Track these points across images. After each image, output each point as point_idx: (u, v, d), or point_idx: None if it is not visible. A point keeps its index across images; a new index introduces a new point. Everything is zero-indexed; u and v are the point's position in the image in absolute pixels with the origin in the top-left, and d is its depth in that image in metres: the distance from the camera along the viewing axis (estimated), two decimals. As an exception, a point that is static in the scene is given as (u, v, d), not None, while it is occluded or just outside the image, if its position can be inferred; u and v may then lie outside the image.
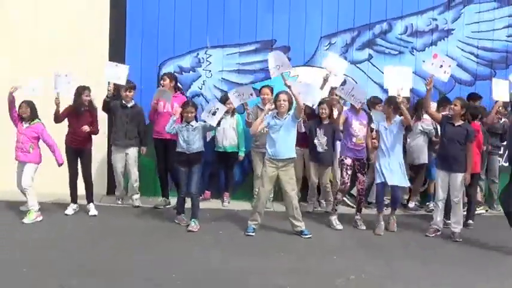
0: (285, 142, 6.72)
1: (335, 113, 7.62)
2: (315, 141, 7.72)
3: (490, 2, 8.70)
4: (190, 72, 8.56)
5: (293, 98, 6.67)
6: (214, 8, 8.50)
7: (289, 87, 6.56)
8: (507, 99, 7.65)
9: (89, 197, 7.51)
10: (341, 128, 7.37)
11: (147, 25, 8.49)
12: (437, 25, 8.67)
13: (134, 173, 7.87)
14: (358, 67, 8.60)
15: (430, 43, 8.68)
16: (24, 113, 7.08)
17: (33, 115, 7.12)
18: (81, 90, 7.24)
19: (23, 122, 7.11)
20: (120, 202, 8.07)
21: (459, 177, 6.87)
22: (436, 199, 7.09)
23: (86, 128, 7.25)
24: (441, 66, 6.86)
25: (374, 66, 8.57)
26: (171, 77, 7.85)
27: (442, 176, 6.98)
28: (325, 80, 7.35)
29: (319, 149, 7.70)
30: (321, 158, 7.77)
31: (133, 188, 7.94)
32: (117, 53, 8.40)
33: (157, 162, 8.01)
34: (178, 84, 8.08)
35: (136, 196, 7.96)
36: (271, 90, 7.60)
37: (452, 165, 6.88)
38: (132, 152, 7.83)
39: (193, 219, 6.98)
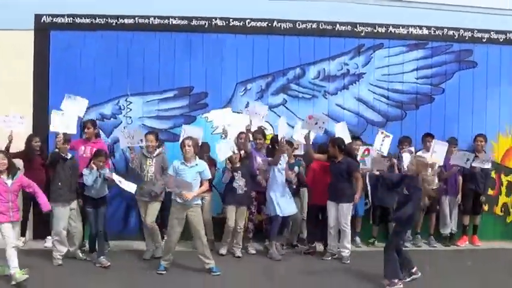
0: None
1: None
2: (234, 184, 7.97)
3: (399, 46, 9.13)
4: (111, 119, 8.84)
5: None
6: (133, 57, 8.83)
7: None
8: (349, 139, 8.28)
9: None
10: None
11: (69, 75, 8.75)
12: (348, 69, 9.07)
13: (78, 228, 7.62)
14: (273, 111, 8.93)
15: (342, 87, 9.06)
16: (3, 165, 6.57)
17: (13, 166, 6.72)
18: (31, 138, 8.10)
19: (2, 177, 6.54)
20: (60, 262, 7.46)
21: (345, 207, 7.66)
22: (329, 227, 7.88)
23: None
24: (316, 123, 7.77)
25: (289, 110, 8.91)
26: (93, 124, 8.14)
27: (332, 206, 7.75)
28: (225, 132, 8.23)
29: (239, 191, 7.96)
30: (240, 200, 8.00)
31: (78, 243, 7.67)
32: (40, 103, 8.66)
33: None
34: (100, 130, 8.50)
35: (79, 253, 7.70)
36: (156, 137, 7.79)
37: (340, 196, 7.67)
38: (75, 206, 7.56)
39: (102, 256, 7.42)
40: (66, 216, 7.39)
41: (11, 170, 6.61)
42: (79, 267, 7.31)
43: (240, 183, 7.98)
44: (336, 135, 8.22)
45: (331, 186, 7.82)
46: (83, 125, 8.18)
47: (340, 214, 7.77)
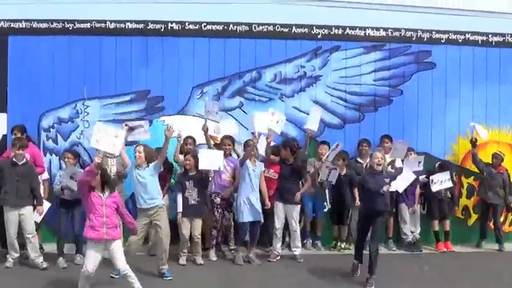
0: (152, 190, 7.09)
1: None
2: (186, 194, 7.67)
3: (357, 48, 9.07)
4: (69, 122, 8.88)
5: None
6: (90, 60, 8.83)
7: None
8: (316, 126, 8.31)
9: None
10: None
11: (27, 79, 8.77)
12: (305, 72, 9.04)
13: (30, 234, 7.42)
14: (230, 114, 8.92)
15: (299, 89, 9.04)
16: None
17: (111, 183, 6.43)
18: None
19: (96, 190, 6.22)
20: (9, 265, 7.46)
21: (295, 208, 7.77)
22: (275, 229, 7.92)
23: None
24: (277, 122, 7.81)
25: (245, 113, 8.89)
26: (21, 130, 8.06)
27: (280, 208, 7.82)
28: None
29: (191, 201, 7.67)
30: (193, 211, 7.70)
31: (34, 250, 7.49)
32: (-1, 108, 8.74)
33: None
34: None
35: (40, 259, 7.49)
36: None
37: (289, 198, 7.75)
38: (27, 211, 7.46)
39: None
40: (13, 221, 7.36)
41: (109, 186, 6.29)
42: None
43: (192, 193, 7.67)
44: (308, 119, 8.31)
45: (280, 188, 7.90)
46: (11, 131, 8.12)
47: (291, 215, 7.83)
